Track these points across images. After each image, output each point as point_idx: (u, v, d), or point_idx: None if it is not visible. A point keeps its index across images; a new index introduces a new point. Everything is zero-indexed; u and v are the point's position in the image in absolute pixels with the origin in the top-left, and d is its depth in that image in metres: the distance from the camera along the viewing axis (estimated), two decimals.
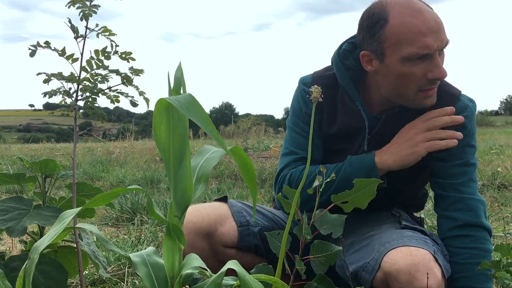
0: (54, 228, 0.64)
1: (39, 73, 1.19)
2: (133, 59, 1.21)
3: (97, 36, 1.18)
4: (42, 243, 0.62)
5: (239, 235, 1.26)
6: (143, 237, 2.45)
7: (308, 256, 1.01)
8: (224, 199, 1.36)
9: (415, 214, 1.40)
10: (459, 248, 1.15)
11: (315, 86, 0.78)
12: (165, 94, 0.73)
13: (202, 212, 1.25)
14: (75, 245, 1.27)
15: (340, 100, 1.25)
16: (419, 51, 1.06)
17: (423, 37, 1.06)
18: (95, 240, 1.90)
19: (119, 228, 2.82)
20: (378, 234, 1.14)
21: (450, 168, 1.19)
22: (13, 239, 2.26)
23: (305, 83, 1.32)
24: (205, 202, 2.63)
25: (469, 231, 1.15)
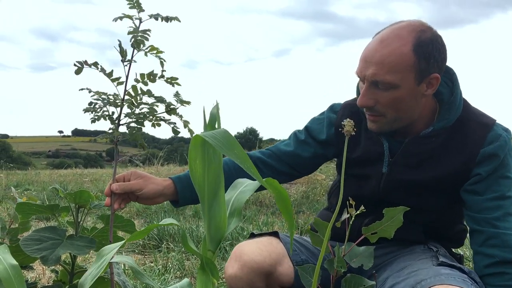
0: (96, 265, 0.65)
1: (81, 89, 1.11)
2: (179, 84, 1.13)
3: (146, 55, 1.10)
4: (87, 280, 0.63)
5: (295, 275, 1.22)
6: (169, 265, 2.45)
7: None
8: (275, 234, 1.31)
9: (454, 250, 1.34)
10: (497, 287, 1.11)
11: (348, 120, 0.79)
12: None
13: (264, 250, 1.21)
14: (104, 275, 1.28)
15: (364, 127, 1.26)
16: (356, 72, 1.18)
17: (359, 62, 1.16)
18: (123, 268, 1.90)
19: (146, 255, 2.83)
20: (414, 271, 1.10)
21: (484, 202, 1.15)
22: (44, 267, 2.29)
23: (334, 111, 1.35)
24: None
25: (507, 268, 1.11)
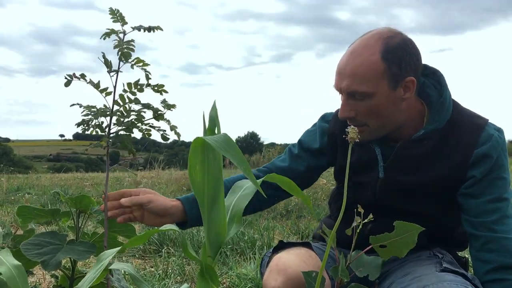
0: (94, 270, 0.65)
1: (72, 105, 1.18)
2: (166, 92, 1.19)
3: (132, 67, 1.16)
4: (84, 285, 0.63)
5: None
6: (170, 270, 2.44)
7: None
8: (308, 245, 1.29)
9: (459, 253, 1.33)
10: None
11: (352, 126, 0.79)
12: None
13: (308, 264, 1.18)
14: (104, 281, 1.27)
15: None
16: (333, 86, 1.19)
17: (335, 76, 1.18)
18: (123, 274, 1.90)
19: (146, 260, 2.82)
20: (417, 277, 1.09)
21: (481, 205, 1.14)
22: (44, 272, 2.29)
23: (326, 120, 1.38)
24: None
25: (505, 274, 1.10)
